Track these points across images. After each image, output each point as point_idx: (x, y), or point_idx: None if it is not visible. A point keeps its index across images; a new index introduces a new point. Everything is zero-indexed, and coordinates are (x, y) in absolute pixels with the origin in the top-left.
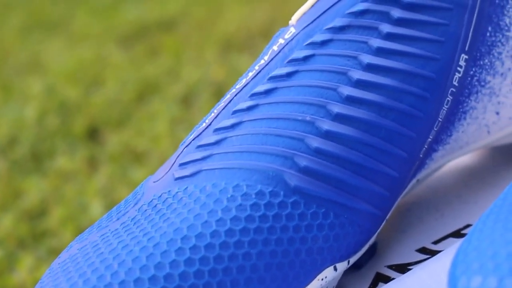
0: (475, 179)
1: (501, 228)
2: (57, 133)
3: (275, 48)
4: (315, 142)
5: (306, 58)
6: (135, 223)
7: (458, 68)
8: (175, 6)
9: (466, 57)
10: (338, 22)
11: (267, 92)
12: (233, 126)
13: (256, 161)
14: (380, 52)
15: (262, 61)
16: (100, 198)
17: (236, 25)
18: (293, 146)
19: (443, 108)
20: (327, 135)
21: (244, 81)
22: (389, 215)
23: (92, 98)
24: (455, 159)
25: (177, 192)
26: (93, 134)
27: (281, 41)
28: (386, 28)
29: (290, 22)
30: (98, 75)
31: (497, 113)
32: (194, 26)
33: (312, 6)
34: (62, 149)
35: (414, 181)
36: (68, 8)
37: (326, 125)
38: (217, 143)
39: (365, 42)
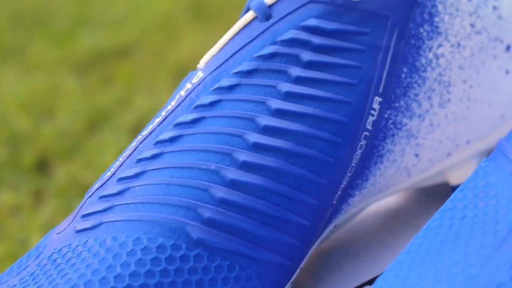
0: (398, 222)
1: (415, 277)
2: (5, 166)
3: (182, 93)
4: (220, 192)
5: (212, 104)
6: (33, 279)
7: (372, 111)
8: (131, 33)
9: (380, 99)
10: (246, 66)
11: (172, 139)
12: (136, 176)
13: (158, 212)
14: (289, 96)
15: (169, 107)
16: (42, 233)
17: (190, 53)
18: (197, 196)
19: (357, 152)
20: (232, 184)
21: (150, 127)
22: (303, 263)
23: (43, 128)
24: (377, 201)
25: (77, 245)
26: (41, 166)
27: (189, 85)
28: (295, 71)
29: (198, 65)
30: (51, 105)
31: (417, 155)
32: (149, 54)
33: (221, 49)
34: (8, 182)
35: (330, 227)
36: (26, 34)
37: (232, 174)
38: (119, 193)
39: (274, 87)
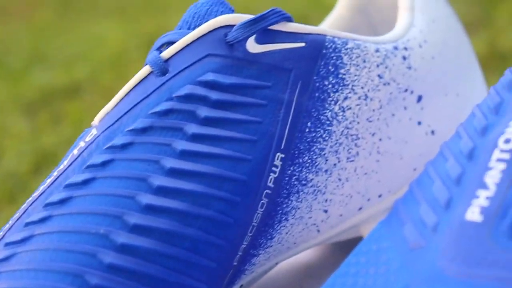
0: (311, 279)
1: None
2: None
3: (75, 152)
4: (109, 257)
5: (104, 164)
6: None
7: (274, 168)
8: (83, 71)
9: (282, 156)
10: (140, 123)
11: (62, 201)
12: (23, 240)
13: (44, 280)
14: (184, 155)
15: (62, 166)
16: None
17: None
18: (84, 262)
19: (257, 211)
20: (122, 249)
21: (41, 188)
22: None
23: None
24: (287, 258)
25: None
26: None
27: (82, 144)
28: (191, 128)
29: (92, 123)
30: None
31: (326, 211)
32: (100, 93)
33: (116, 105)
34: None
35: None
36: None
37: (122, 237)
38: (6, 259)
39: (169, 145)
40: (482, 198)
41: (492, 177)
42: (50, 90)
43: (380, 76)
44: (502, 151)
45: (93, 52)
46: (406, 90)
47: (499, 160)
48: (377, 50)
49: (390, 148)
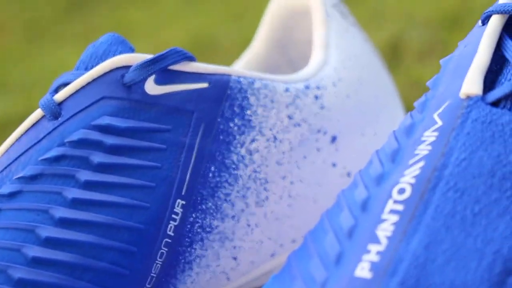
0: None
1: None
2: None
3: None
4: None
5: None
6: None
7: (174, 216)
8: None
9: (183, 202)
10: (30, 170)
11: None
12: None
13: None
14: (76, 203)
15: None
16: None
17: None
18: None
19: (157, 262)
20: None
21: None
22: None
23: None
24: None
25: None
26: None
27: None
28: (84, 175)
29: None
30: None
31: (235, 258)
32: None
33: (6, 151)
34: None
35: None
36: None
37: None
38: None
39: (59, 193)
40: (373, 253)
41: (384, 230)
42: (7, 117)
43: (290, 117)
44: (396, 202)
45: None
46: (318, 131)
47: (392, 211)
48: (286, 90)
49: (302, 192)
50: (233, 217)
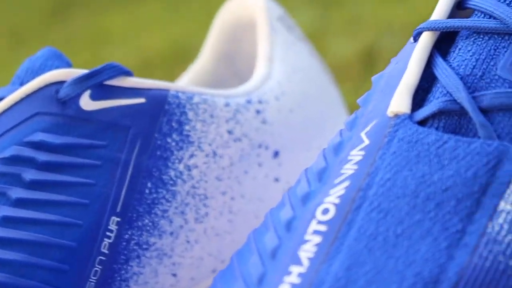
0: None
1: None
2: None
3: None
4: None
5: None
6: None
7: (108, 233)
8: None
9: (118, 219)
10: None
11: None
12: None
13: None
14: (6, 221)
15: None
16: None
17: None
18: None
19: (90, 280)
20: None
21: None
22: None
23: None
24: None
25: None
26: None
27: None
28: (16, 193)
29: None
30: None
31: (174, 275)
32: None
33: None
34: None
35: None
36: None
37: None
38: None
39: None
40: (294, 275)
41: (307, 251)
42: None
43: (230, 132)
44: (319, 222)
45: None
46: (260, 146)
47: (316, 232)
48: (227, 105)
49: (243, 207)
50: (171, 233)
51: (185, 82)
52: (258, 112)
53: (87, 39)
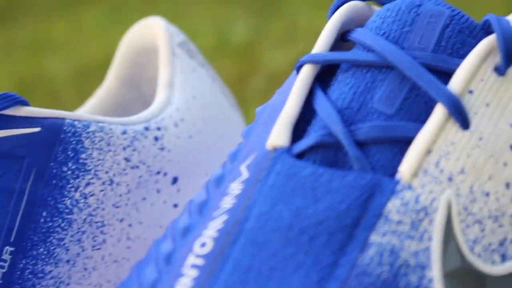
0: None
1: None
2: None
3: None
4: None
5: None
6: None
7: (1, 263)
8: None
9: (12, 249)
10: None
11: None
12: None
13: None
14: None
15: None
16: None
17: None
18: None
19: None
20: None
21: None
22: None
23: None
24: None
25: None
26: None
27: None
28: None
29: None
30: None
31: None
32: None
33: None
34: None
35: None
36: None
37: None
38: None
39: None
40: None
41: (184, 286)
42: None
43: (127, 159)
44: (197, 256)
45: None
46: (158, 173)
47: (193, 266)
48: (124, 132)
49: (142, 234)
50: (68, 261)
51: (90, 106)
52: (156, 139)
53: (29, 46)
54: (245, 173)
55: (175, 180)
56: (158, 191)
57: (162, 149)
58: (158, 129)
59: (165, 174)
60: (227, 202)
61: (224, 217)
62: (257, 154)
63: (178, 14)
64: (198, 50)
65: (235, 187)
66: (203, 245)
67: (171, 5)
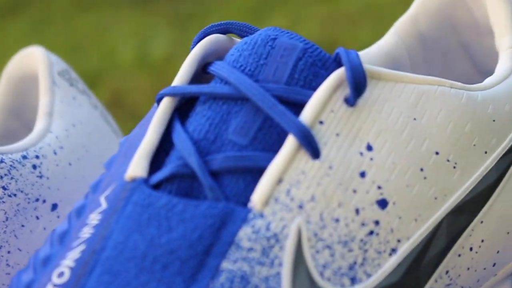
0: None
1: None
2: None
3: None
4: None
5: None
6: None
7: None
8: None
9: None
10: None
11: None
12: None
13: None
14: None
15: None
16: None
17: None
18: None
19: None
20: None
21: None
22: None
23: None
24: None
25: None
26: None
27: None
28: None
29: None
30: None
31: None
32: None
33: None
34: None
35: None
36: None
37: None
38: None
39: None
40: None
41: None
42: None
43: (4, 188)
44: (55, 285)
45: None
46: (37, 200)
47: None
48: (1, 161)
49: (21, 260)
50: None
51: None
52: (34, 167)
53: None
54: (104, 204)
55: (54, 206)
56: (38, 217)
57: (40, 176)
58: (37, 157)
59: (44, 201)
60: (86, 232)
61: (82, 247)
62: (116, 185)
63: (101, 27)
64: (79, 78)
65: (94, 218)
66: (60, 274)
67: (95, 17)
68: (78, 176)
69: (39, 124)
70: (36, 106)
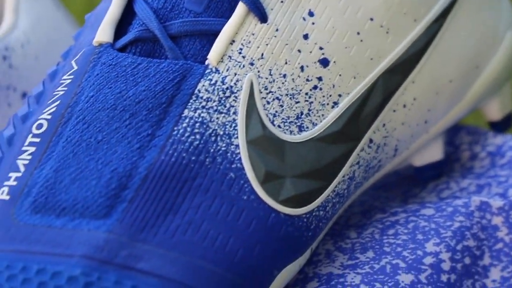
0: None
1: None
2: None
3: None
4: None
5: None
6: None
7: None
8: None
9: None
10: None
11: None
12: None
13: None
14: None
15: None
16: None
17: None
18: None
19: None
20: None
21: None
22: None
23: None
24: None
25: None
26: None
27: None
28: None
29: None
30: None
31: None
32: None
33: None
34: None
35: None
36: None
37: None
38: None
39: None
40: (12, 179)
41: (23, 160)
42: None
43: None
44: (34, 135)
45: None
46: (8, 88)
47: (31, 143)
48: None
49: None
50: None
51: None
52: (4, 58)
53: None
54: (75, 66)
55: (24, 95)
56: (9, 104)
57: (10, 67)
58: (6, 49)
59: (14, 89)
60: (60, 90)
61: (57, 103)
62: (85, 50)
63: None
64: None
65: (67, 78)
66: (39, 126)
67: None
68: (46, 67)
69: (7, 20)
70: (2, 4)
